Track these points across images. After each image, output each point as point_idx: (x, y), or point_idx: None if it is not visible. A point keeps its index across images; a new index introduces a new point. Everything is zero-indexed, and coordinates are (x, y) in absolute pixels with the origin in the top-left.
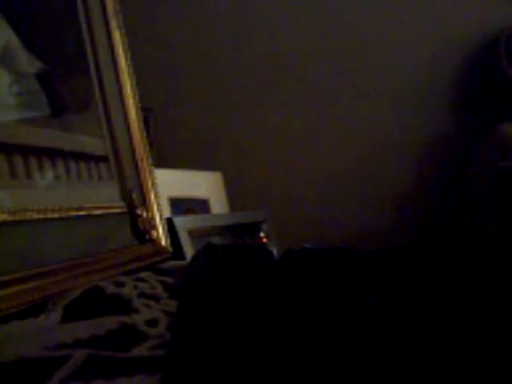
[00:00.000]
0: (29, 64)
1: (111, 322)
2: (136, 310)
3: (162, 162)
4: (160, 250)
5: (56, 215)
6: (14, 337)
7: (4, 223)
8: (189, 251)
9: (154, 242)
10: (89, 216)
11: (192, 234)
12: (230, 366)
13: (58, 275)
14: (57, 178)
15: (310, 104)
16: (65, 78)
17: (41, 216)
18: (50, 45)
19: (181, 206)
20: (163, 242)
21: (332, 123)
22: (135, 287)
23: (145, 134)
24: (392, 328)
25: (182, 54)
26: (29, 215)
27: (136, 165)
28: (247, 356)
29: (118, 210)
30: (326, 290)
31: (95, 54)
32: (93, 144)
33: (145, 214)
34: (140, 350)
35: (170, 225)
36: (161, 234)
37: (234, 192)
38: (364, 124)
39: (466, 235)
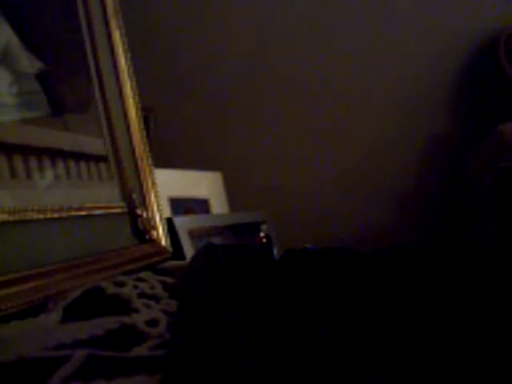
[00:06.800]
0: (29, 64)
1: (111, 322)
2: (136, 310)
3: (162, 162)
4: (160, 250)
5: (56, 215)
6: (14, 337)
7: (4, 223)
8: (189, 251)
9: (154, 242)
10: (89, 216)
11: (192, 233)
12: (230, 366)
13: (58, 275)
14: (57, 177)
15: (311, 104)
16: (65, 78)
17: (41, 216)
18: (50, 45)
19: (181, 206)
20: (163, 242)
21: (332, 123)
22: (135, 287)
23: (145, 133)
24: (393, 328)
25: (182, 54)
26: (29, 215)
27: (136, 165)
28: (247, 356)
29: (118, 210)
30: (326, 290)
31: (95, 54)
32: (93, 144)
33: (145, 214)
34: (140, 350)
35: (169, 225)
36: (161, 234)
37: (234, 192)
38: (364, 124)
39: (465, 235)
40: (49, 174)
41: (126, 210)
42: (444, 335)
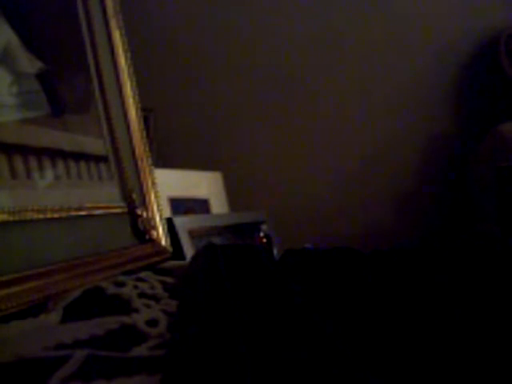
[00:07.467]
0: (29, 64)
1: (111, 322)
2: (136, 310)
3: (162, 162)
4: (160, 250)
5: (56, 215)
6: (13, 337)
7: (4, 223)
8: (189, 251)
9: (154, 241)
10: (89, 216)
11: (192, 233)
12: (229, 366)
13: (58, 275)
14: (57, 177)
15: (310, 104)
16: (65, 77)
17: (41, 216)
18: (50, 45)
19: (181, 206)
20: (163, 242)
21: (332, 123)
22: (135, 287)
23: (145, 133)
24: (392, 329)
25: (182, 54)
26: (29, 215)
27: (136, 165)
28: (247, 356)
29: (118, 210)
30: (326, 291)
31: (95, 54)
32: (93, 144)
33: (145, 214)
34: (140, 350)
35: (169, 225)
36: (161, 234)
37: (234, 192)
38: (364, 124)
39: (465, 235)
40: (49, 174)
41: (126, 210)
42: (443, 335)
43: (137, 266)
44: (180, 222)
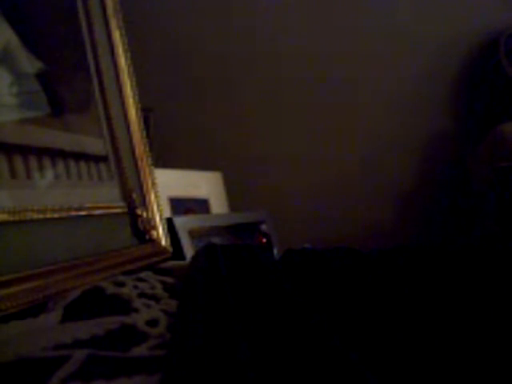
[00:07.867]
0: (29, 64)
1: (111, 322)
2: (136, 310)
3: (162, 162)
4: (160, 250)
5: (56, 215)
6: (13, 337)
7: (4, 223)
8: (189, 251)
9: (154, 242)
10: (89, 216)
11: (192, 233)
12: (229, 367)
13: (58, 275)
14: (57, 177)
15: (311, 104)
16: (65, 78)
17: (41, 216)
18: (50, 45)
19: (181, 206)
20: (163, 242)
21: (332, 123)
22: (135, 287)
23: (145, 133)
24: (393, 329)
25: (182, 53)
26: (29, 215)
27: (136, 165)
28: (247, 356)
29: (118, 210)
30: (326, 290)
31: (95, 54)
32: (93, 144)
33: (145, 214)
34: (140, 350)
35: (169, 225)
36: (161, 234)
37: (234, 192)
38: (364, 124)
39: (465, 235)
40: (49, 174)
41: (126, 210)
42: (444, 335)
43: (137, 265)
44: (180, 221)
